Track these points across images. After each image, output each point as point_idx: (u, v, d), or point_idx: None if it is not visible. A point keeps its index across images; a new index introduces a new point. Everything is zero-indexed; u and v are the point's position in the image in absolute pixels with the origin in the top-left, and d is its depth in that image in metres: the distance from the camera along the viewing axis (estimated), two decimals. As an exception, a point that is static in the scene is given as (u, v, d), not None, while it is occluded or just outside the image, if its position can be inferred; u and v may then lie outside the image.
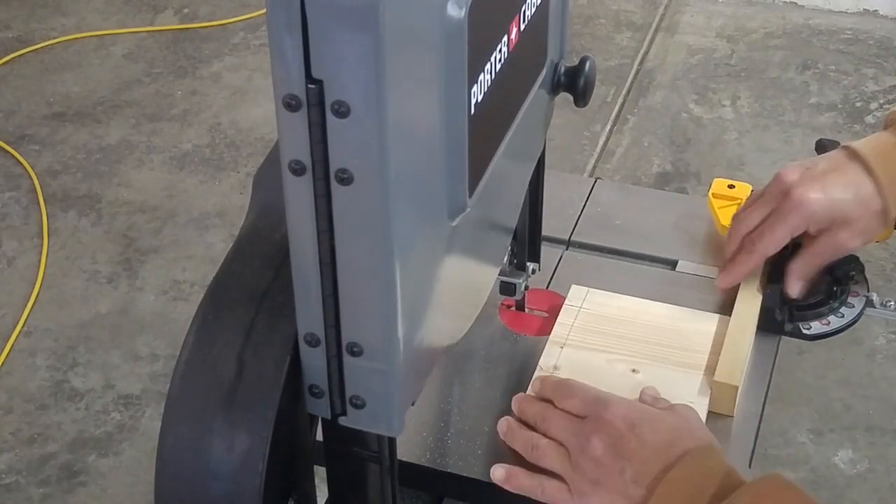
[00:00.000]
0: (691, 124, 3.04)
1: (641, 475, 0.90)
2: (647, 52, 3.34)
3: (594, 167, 2.88)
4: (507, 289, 1.12)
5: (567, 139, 2.92)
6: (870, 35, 3.41)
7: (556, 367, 1.06)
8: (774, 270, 1.12)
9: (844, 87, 3.18)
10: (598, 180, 1.34)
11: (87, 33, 3.43)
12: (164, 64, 3.30)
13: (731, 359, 1.05)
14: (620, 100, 3.13)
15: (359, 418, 0.78)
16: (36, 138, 3.01)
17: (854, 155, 1.09)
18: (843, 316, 1.12)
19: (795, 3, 3.55)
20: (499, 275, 1.10)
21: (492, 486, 0.97)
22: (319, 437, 0.84)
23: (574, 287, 1.16)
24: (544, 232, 1.16)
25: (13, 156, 2.93)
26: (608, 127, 3.02)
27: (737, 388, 1.02)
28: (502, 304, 1.15)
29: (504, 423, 1.00)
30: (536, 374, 1.06)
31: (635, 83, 3.20)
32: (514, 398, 1.02)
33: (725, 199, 1.23)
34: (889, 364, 2.33)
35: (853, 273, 1.14)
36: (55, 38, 3.41)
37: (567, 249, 1.24)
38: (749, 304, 1.11)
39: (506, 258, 1.11)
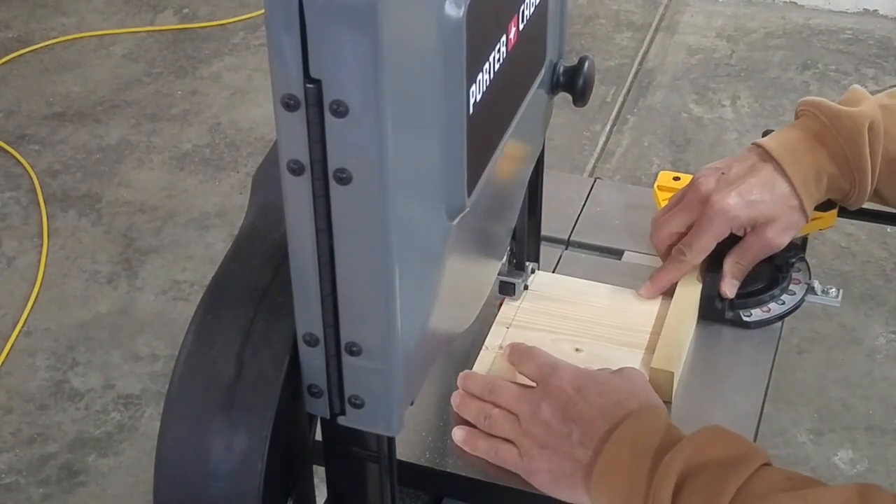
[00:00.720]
0: (691, 124, 3.04)
1: (587, 436, 0.92)
2: (647, 52, 3.34)
3: (594, 167, 2.87)
4: (506, 288, 1.12)
5: (567, 139, 2.92)
6: (870, 35, 3.41)
7: (500, 347, 1.08)
8: (713, 259, 1.12)
9: (844, 87, 3.16)
10: (598, 180, 1.34)
11: (87, 33, 3.43)
12: (163, 64, 3.30)
13: (668, 345, 1.06)
14: (620, 100, 3.13)
15: (358, 418, 0.78)
16: (36, 138, 3.01)
17: (766, 156, 1.11)
18: (783, 303, 1.13)
19: (795, 3, 3.54)
20: (498, 274, 1.10)
21: (491, 486, 0.97)
22: (319, 436, 0.84)
23: (539, 272, 1.17)
24: (544, 232, 1.16)
25: (13, 156, 2.93)
26: (608, 127, 3.02)
27: (673, 374, 1.03)
28: (502, 304, 1.15)
29: (457, 396, 1.02)
30: (482, 353, 1.07)
31: (635, 83, 3.20)
32: (460, 375, 1.03)
33: (671, 191, 1.23)
34: (889, 364, 2.33)
35: (794, 261, 1.15)
36: (55, 38, 3.41)
37: (566, 249, 1.24)
38: (688, 292, 1.12)
39: (505, 258, 1.11)
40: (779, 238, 1.11)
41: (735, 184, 1.10)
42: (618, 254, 1.23)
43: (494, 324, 1.11)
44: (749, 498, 0.84)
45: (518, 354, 1.03)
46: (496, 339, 1.09)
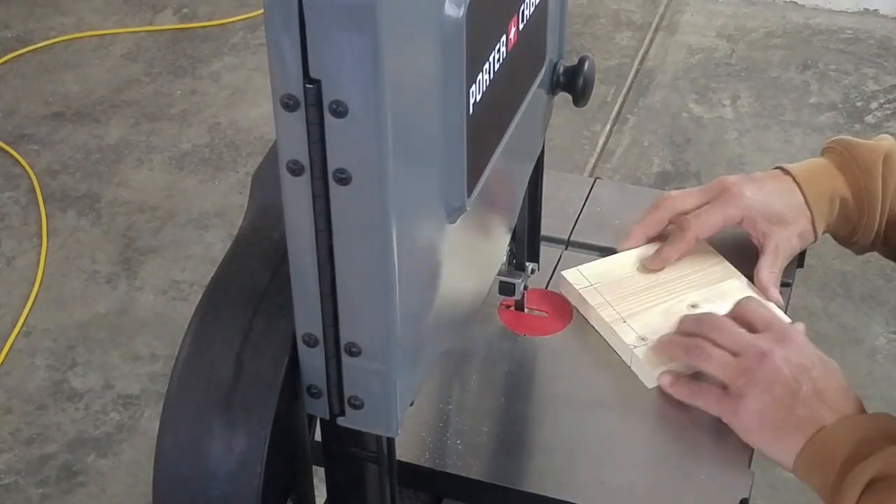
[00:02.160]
0: (691, 124, 3.04)
1: (815, 400, 0.96)
2: (647, 52, 3.34)
3: (594, 167, 2.87)
4: (506, 289, 1.12)
5: (567, 139, 2.92)
6: (870, 35, 3.41)
7: (643, 339, 1.08)
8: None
9: (845, 86, 3.18)
10: (598, 180, 1.34)
11: (87, 33, 3.43)
12: (163, 64, 3.30)
13: None
14: (620, 99, 3.12)
15: (357, 419, 0.78)
16: (35, 138, 3.00)
17: (785, 172, 1.17)
18: None
19: (796, 3, 3.54)
20: (498, 275, 1.10)
21: (491, 487, 0.97)
22: (318, 437, 0.84)
23: (565, 272, 1.17)
24: (544, 232, 1.16)
25: (12, 156, 2.93)
26: (608, 127, 3.01)
27: None
28: (501, 304, 1.15)
29: (661, 341, 1.06)
30: (636, 353, 1.07)
31: (635, 83, 3.20)
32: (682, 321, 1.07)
33: None
34: (889, 364, 2.32)
35: None
36: (54, 37, 3.41)
37: (566, 249, 1.24)
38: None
39: (505, 258, 1.11)
40: (795, 241, 1.14)
41: (757, 181, 1.15)
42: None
43: (612, 324, 1.10)
44: None
45: (745, 302, 1.06)
46: (629, 334, 1.09)
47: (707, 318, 1.04)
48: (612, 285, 1.14)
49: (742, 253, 1.17)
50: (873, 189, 1.14)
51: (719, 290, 1.13)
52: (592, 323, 1.13)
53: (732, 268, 1.16)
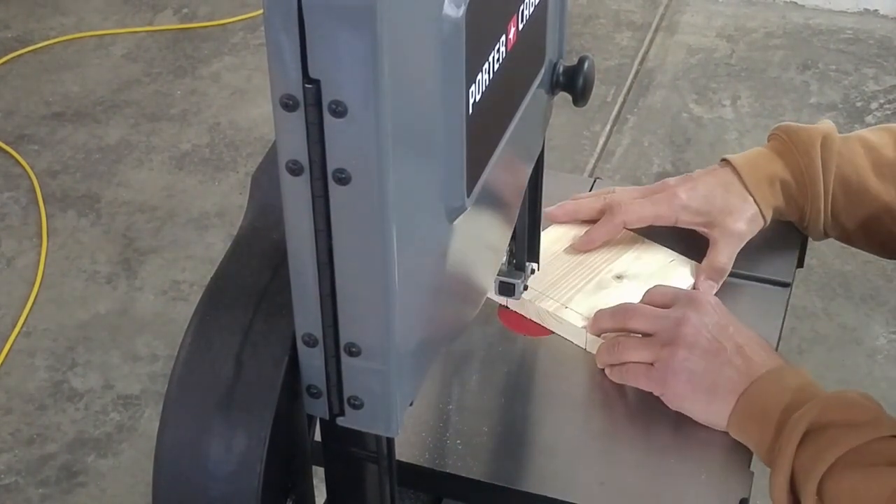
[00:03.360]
0: (691, 124, 3.04)
1: (738, 358, 0.98)
2: (647, 52, 3.34)
3: (594, 167, 2.87)
4: (506, 289, 1.12)
5: (567, 139, 2.92)
6: (870, 35, 3.41)
7: (588, 319, 1.10)
8: None
9: (845, 86, 3.18)
10: (598, 180, 1.34)
11: (87, 33, 3.43)
12: (163, 64, 3.30)
13: None
14: (620, 99, 3.13)
15: (357, 419, 0.78)
16: (35, 138, 3.00)
17: (727, 164, 1.19)
18: None
19: (796, 3, 3.54)
20: (498, 275, 1.10)
21: (491, 487, 0.97)
22: (318, 437, 0.84)
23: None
24: (543, 232, 1.16)
25: (12, 156, 2.93)
26: (608, 127, 3.01)
27: None
28: (501, 305, 1.15)
29: (602, 350, 1.06)
30: (584, 335, 1.09)
31: (635, 83, 3.20)
32: (593, 318, 1.08)
33: None
34: (889, 364, 2.32)
35: None
36: (54, 37, 3.41)
37: (566, 249, 1.24)
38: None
39: (505, 258, 1.11)
40: (739, 224, 1.15)
41: (693, 179, 1.17)
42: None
43: (560, 316, 1.12)
44: (853, 463, 0.88)
45: (653, 289, 1.08)
46: (578, 320, 1.11)
47: (619, 308, 1.06)
48: (539, 275, 1.15)
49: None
50: (812, 170, 1.15)
51: (640, 259, 1.16)
52: (531, 317, 1.13)
53: (653, 244, 1.18)
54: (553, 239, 1.20)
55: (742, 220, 1.15)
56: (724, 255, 1.15)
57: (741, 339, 1.00)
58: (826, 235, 1.19)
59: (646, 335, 1.03)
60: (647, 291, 1.08)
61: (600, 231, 1.17)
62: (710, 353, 0.98)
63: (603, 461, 1.01)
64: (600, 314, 1.08)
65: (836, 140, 1.16)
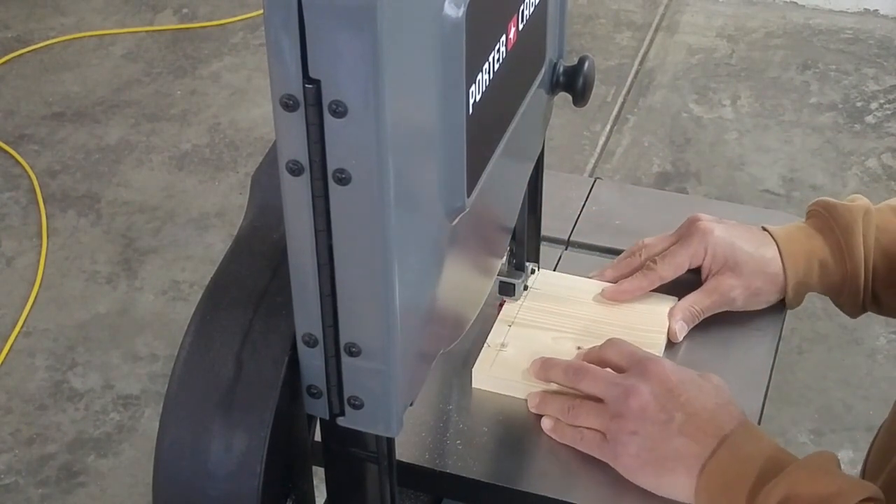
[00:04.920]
0: (691, 124, 3.04)
1: (691, 428, 0.93)
2: (647, 52, 3.34)
3: (594, 167, 2.87)
4: (506, 289, 1.12)
5: (567, 139, 2.92)
6: (870, 35, 3.41)
7: (503, 345, 1.07)
8: None
9: (845, 86, 3.18)
10: (598, 180, 1.34)
11: (87, 33, 3.43)
12: (163, 64, 3.30)
13: None
14: (620, 100, 3.13)
15: (357, 419, 0.78)
16: (35, 138, 3.00)
17: (764, 228, 1.14)
18: None
19: (796, 3, 3.54)
20: (498, 274, 1.10)
21: (491, 487, 0.97)
22: (318, 437, 0.84)
23: (541, 271, 1.17)
24: (544, 232, 1.16)
25: (12, 156, 2.93)
26: (608, 127, 3.01)
27: None
28: (501, 305, 1.15)
29: (535, 395, 1.02)
30: (483, 351, 1.07)
31: (635, 83, 3.20)
32: (536, 364, 1.03)
33: None
34: (889, 364, 2.32)
35: None
36: (54, 37, 3.41)
37: (566, 249, 1.24)
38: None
39: (505, 258, 1.11)
40: (737, 292, 1.11)
41: (727, 225, 1.13)
42: (618, 254, 1.23)
43: (497, 322, 1.11)
44: None
45: (609, 344, 1.02)
46: (498, 336, 1.09)
47: (573, 367, 1.01)
48: (545, 297, 1.13)
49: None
50: (853, 247, 1.11)
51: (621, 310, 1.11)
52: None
53: (662, 338, 1.10)
54: (579, 285, 1.15)
55: (742, 287, 1.10)
56: (707, 302, 1.11)
57: (693, 406, 0.95)
58: (864, 310, 1.17)
59: (597, 399, 0.99)
60: (605, 344, 1.03)
61: (632, 284, 1.12)
62: (657, 425, 0.94)
63: (603, 461, 1.00)
64: (552, 363, 1.03)
65: (873, 214, 1.12)
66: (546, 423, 1.01)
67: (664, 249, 1.13)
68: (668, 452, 0.93)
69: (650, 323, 1.10)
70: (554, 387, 1.03)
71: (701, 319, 1.11)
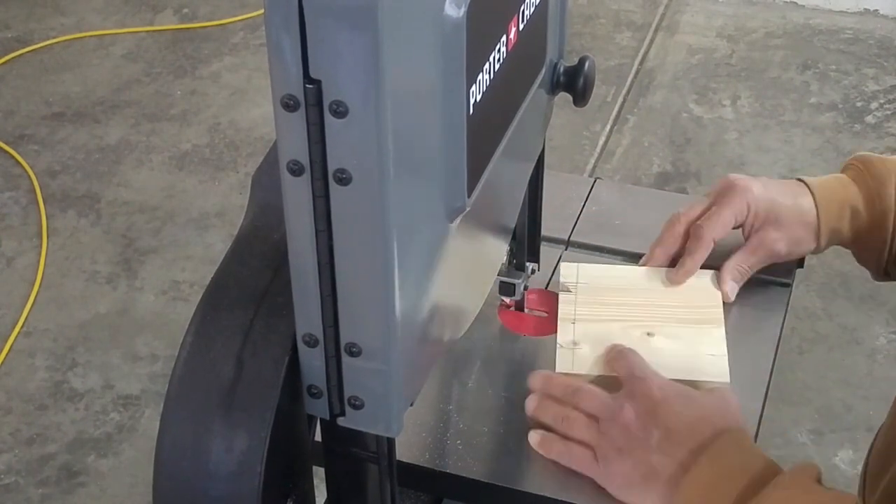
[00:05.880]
0: (691, 124, 3.04)
1: (667, 444, 0.93)
2: (647, 52, 3.34)
3: (594, 167, 2.87)
4: (506, 289, 1.12)
5: (567, 139, 2.92)
6: (870, 35, 3.41)
7: (575, 343, 1.07)
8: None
9: (845, 86, 3.18)
10: (598, 180, 1.34)
11: (87, 33, 3.43)
12: (163, 64, 3.30)
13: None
14: (620, 100, 3.13)
15: (357, 419, 0.78)
16: (35, 138, 3.00)
17: (799, 180, 1.16)
18: None
19: (796, 3, 3.54)
20: (498, 275, 1.10)
21: (491, 487, 0.97)
22: (318, 437, 0.84)
23: (563, 265, 1.16)
24: (544, 232, 1.16)
25: (12, 156, 2.93)
26: (608, 127, 3.01)
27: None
28: (501, 305, 1.15)
29: (533, 399, 1.01)
30: (559, 353, 1.06)
31: (635, 83, 3.20)
32: (538, 375, 1.03)
33: None
34: (889, 364, 2.32)
35: None
36: (54, 37, 3.41)
37: (567, 249, 1.24)
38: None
39: (505, 258, 1.11)
40: (781, 244, 1.13)
41: (763, 181, 1.15)
42: (618, 254, 1.23)
43: (560, 321, 1.10)
44: None
45: (614, 354, 1.03)
46: (566, 335, 1.08)
47: (574, 386, 1.00)
48: (598, 290, 1.13)
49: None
50: (885, 199, 1.13)
51: (682, 332, 1.09)
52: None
53: (720, 314, 1.11)
54: (633, 274, 1.15)
55: (785, 238, 1.13)
56: (753, 259, 1.13)
57: (671, 422, 0.95)
58: (886, 274, 1.17)
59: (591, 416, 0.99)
60: (614, 354, 1.03)
61: (692, 260, 1.13)
62: (637, 443, 0.94)
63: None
64: (555, 379, 1.02)
65: None
66: (533, 438, 1.00)
67: (703, 212, 1.14)
68: (647, 470, 0.93)
69: (705, 298, 1.12)
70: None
71: (750, 276, 1.13)
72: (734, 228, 1.14)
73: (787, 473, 0.91)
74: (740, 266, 1.13)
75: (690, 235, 1.14)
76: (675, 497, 0.92)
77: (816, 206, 1.13)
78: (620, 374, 1.00)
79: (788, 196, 1.14)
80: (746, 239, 1.14)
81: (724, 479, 0.91)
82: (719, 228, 1.12)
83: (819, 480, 0.91)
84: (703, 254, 1.13)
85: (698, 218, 1.14)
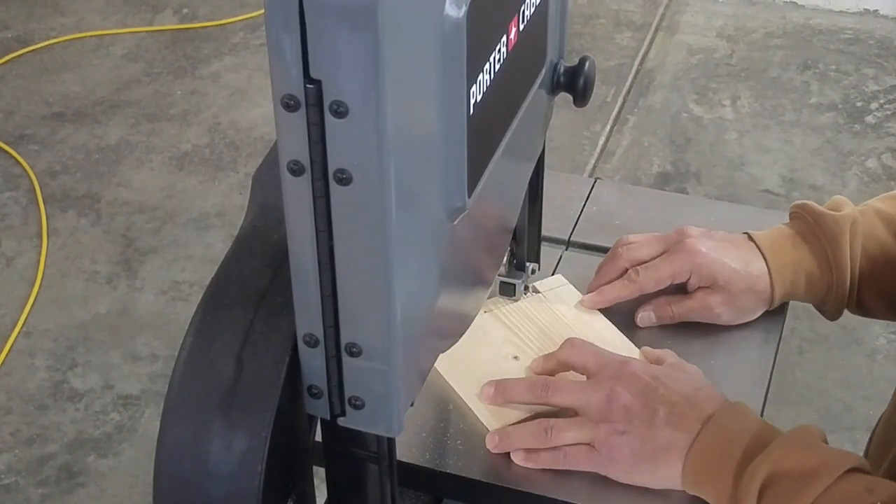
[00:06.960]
0: (691, 124, 3.04)
1: (674, 417, 0.94)
2: (647, 52, 3.34)
3: (594, 167, 2.88)
4: (506, 289, 1.12)
5: (567, 139, 2.92)
6: (870, 35, 3.41)
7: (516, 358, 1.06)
8: None
9: (845, 86, 3.18)
10: (598, 180, 1.34)
11: (87, 33, 3.43)
12: (163, 64, 3.30)
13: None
14: (620, 100, 3.13)
15: (358, 419, 0.78)
16: (35, 138, 3.01)
17: (750, 238, 1.12)
18: None
19: (796, 3, 3.54)
20: (498, 275, 1.10)
21: (491, 487, 0.97)
22: (319, 437, 0.84)
23: (558, 276, 1.16)
24: (544, 232, 1.16)
25: (12, 156, 2.93)
26: (608, 127, 3.02)
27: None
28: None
29: (494, 435, 0.99)
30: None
31: (635, 83, 3.20)
32: (495, 387, 1.01)
33: None
34: (889, 364, 2.32)
35: None
36: (54, 38, 3.41)
37: (567, 249, 1.24)
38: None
39: (505, 258, 1.11)
40: (722, 310, 1.10)
41: (715, 240, 1.11)
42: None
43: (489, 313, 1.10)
44: None
45: (569, 346, 1.02)
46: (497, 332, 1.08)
47: (537, 381, 0.99)
48: (541, 303, 1.13)
49: None
50: (840, 260, 1.10)
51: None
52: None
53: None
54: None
55: (732, 307, 1.10)
56: (684, 308, 1.10)
57: (673, 396, 0.95)
58: (840, 315, 1.15)
59: (571, 412, 0.98)
60: (564, 345, 1.02)
61: (612, 292, 1.11)
62: (644, 421, 0.94)
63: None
64: (508, 384, 1.01)
65: (859, 224, 1.11)
66: (518, 456, 0.98)
67: (649, 256, 1.12)
68: (658, 445, 0.94)
69: (619, 342, 1.09)
70: (511, 418, 1.00)
71: (673, 322, 1.11)
72: (674, 284, 1.11)
73: (791, 432, 0.92)
74: (669, 307, 1.11)
75: (626, 274, 1.12)
76: (684, 464, 0.93)
77: (770, 272, 1.10)
78: (584, 362, 0.99)
79: (739, 261, 1.09)
80: (690, 292, 1.11)
81: (729, 443, 0.92)
82: (652, 284, 1.10)
83: (825, 441, 0.93)
84: (624, 296, 1.11)
85: (640, 262, 1.12)
